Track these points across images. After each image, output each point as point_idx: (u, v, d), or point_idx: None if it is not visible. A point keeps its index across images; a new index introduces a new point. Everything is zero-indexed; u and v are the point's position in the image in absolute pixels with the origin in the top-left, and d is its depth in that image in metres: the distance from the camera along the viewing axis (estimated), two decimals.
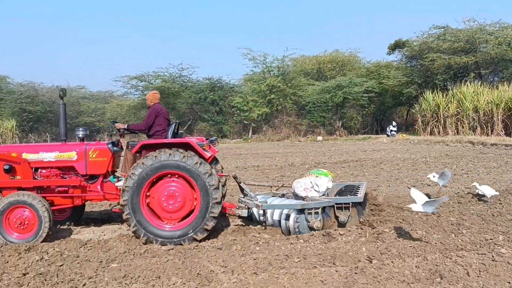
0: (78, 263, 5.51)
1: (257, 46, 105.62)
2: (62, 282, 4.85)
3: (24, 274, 5.12)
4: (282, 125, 35.42)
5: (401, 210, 7.76)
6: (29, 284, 4.81)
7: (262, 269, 5.03)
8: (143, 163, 6.49)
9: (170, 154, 6.47)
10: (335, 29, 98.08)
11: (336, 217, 6.81)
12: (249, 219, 7.59)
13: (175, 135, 7.62)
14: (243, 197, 7.42)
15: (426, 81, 35.32)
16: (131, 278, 4.89)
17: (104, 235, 7.16)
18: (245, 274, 4.91)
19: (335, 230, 6.56)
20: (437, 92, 29.87)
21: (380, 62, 39.99)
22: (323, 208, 6.78)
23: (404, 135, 30.83)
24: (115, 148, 7.21)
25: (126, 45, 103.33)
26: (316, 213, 6.71)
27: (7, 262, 5.64)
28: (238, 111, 35.95)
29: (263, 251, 5.73)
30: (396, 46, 38.74)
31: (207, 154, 6.78)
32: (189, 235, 6.43)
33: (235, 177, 7.57)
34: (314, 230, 6.60)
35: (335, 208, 6.81)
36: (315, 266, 5.04)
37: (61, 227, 7.59)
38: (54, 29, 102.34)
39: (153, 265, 5.29)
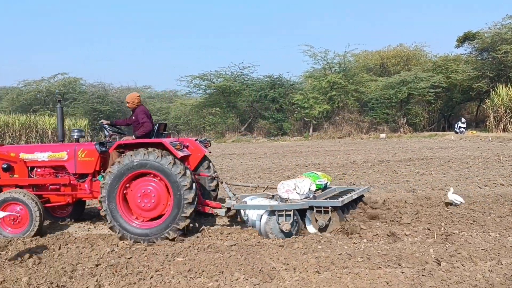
0: (145, 256, 5.74)
1: (318, 43, 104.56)
2: (131, 274, 5.06)
3: (97, 265, 5.41)
4: (343, 122, 34.83)
5: (472, 211, 7.37)
6: (101, 274, 5.07)
7: (325, 268, 4.98)
8: (119, 161, 6.71)
9: (145, 153, 6.63)
10: (400, 23, 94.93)
11: (316, 221, 6.61)
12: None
13: (159, 135, 7.80)
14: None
15: (498, 74, 33.31)
16: (196, 272, 5.01)
17: None
18: (307, 272, 4.88)
19: (401, 230, 6.35)
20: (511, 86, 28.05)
21: (448, 56, 38.23)
22: (302, 211, 6.63)
23: (474, 132, 29.29)
24: (102, 149, 7.41)
25: (189, 44, 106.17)
26: (288, 215, 6.49)
27: (81, 253, 5.99)
28: (298, 108, 35.79)
29: (325, 250, 5.66)
30: (466, 38, 36.82)
31: (180, 154, 6.78)
32: (161, 234, 6.56)
33: (217, 177, 7.72)
34: (286, 233, 6.42)
35: (315, 211, 6.61)
36: (379, 267, 4.91)
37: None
38: (122, 33, 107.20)
39: (216, 260, 5.39)
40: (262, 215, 6.67)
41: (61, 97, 7.17)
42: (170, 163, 6.55)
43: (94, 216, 8.54)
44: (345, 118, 34.92)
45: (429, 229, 6.37)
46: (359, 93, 35.25)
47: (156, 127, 7.81)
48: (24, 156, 7.61)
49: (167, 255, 5.69)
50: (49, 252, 6.13)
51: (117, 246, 6.24)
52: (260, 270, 5.00)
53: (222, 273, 4.95)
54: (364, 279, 4.56)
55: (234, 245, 6.09)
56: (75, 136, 7.94)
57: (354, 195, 7.19)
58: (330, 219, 6.58)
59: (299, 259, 5.33)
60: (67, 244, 6.49)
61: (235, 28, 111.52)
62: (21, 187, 7.51)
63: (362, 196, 7.74)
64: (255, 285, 4.60)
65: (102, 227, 7.72)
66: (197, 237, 6.66)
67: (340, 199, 6.68)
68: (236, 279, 4.72)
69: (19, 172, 7.58)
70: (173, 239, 6.53)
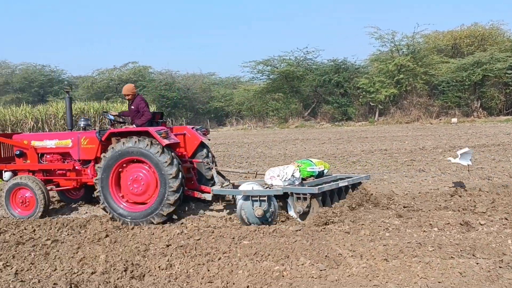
0: (213, 238, 5.90)
1: (384, 24, 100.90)
2: (200, 255, 5.23)
3: (167, 246, 5.65)
4: (411, 106, 33.44)
5: None
6: (172, 254, 5.29)
7: (393, 256, 4.85)
8: (112, 147, 7.12)
9: (136, 141, 6.96)
10: (474, 0, 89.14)
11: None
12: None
13: (154, 123, 7.99)
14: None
15: None
16: (262, 255, 5.08)
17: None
18: (374, 260, 4.79)
19: (476, 220, 6.03)
20: None
21: None
22: (281, 197, 6.64)
23: None
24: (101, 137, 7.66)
25: (252, 30, 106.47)
26: (263, 201, 6.48)
27: (153, 234, 6.27)
28: (363, 93, 34.82)
29: (393, 238, 5.51)
30: None
31: (165, 142, 6.92)
32: (147, 218, 6.90)
33: (207, 163, 7.89)
34: (260, 218, 6.45)
35: (295, 198, 6.58)
36: (452, 257, 4.71)
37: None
38: (186, 23, 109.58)
39: (282, 244, 5.43)
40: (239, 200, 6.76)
41: (69, 88, 7.90)
42: (158, 152, 6.82)
43: None
44: (413, 102, 33.50)
45: (506, 219, 6.01)
46: (429, 76, 33.63)
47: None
48: (35, 143, 8.21)
49: (233, 238, 5.81)
50: (124, 232, 6.48)
51: (186, 228, 6.47)
52: (326, 256, 4.98)
53: (287, 257, 4.98)
54: (436, 269, 4.40)
55: (299, 230, 6.09)
56: (82, 125, 8.33)
57: (342, 184, 7.10)
58: (308, 206, 6.54)
59: (366, 246, 5.24)
60: (138, 225, 6.82)
61: (301, 11, 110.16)
62: (33, 172, 8.10)
63: (359, 183, 7.59)
64: (321, 270, 4.59)
65: None
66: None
67: (318, 187, 6.60)
68: (302, 264, 4.73)
69: (31, 158, 8.19)
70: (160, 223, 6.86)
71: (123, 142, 7.10)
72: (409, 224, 6.14)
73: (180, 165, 7.04)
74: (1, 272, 4.98)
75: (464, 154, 8.28)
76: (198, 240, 5.85)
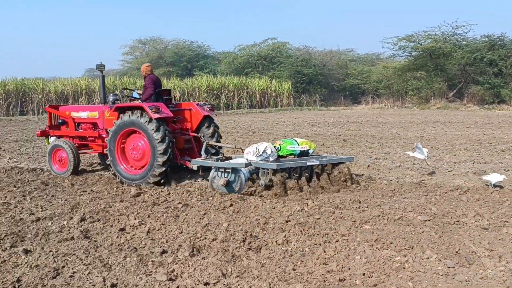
0: (333, 219, 5.73)
1: None
2: (317, 234, 5.12)
3: (287, 221, 5.64)
4: None
5: None
6: (290, 231, 5.26)
7: None
8: (115, 121, 8.38)
9: (129, 115, 8.17)
10: None
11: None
12: None
13: (160, 99, 8.85)
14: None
15: None
16: (383, 243, 4.78)
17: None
18: None
19: None
20: None
21: None
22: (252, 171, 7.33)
23: None
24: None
25: (396, 3, 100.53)
26: (228, 172, 7.35)
27: (274, 208, 6.32)
28: None
29: None
30: None
31: (154, 115, 7.85)
32: (144, 179, 8.06)
33: (201, 137, 8.72)
34: (225, 187, 7.36)
35: (261, 172, 7.22)
36: None
37: None
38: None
39: (407, 233, 5.04)
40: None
41: (103, 67, 8.80)
42: (146, 121, 7.92)
43: None
44: None
45: None
46: None
47: (154, 93, 8.84)
48: (73, 114, 9.72)
49: (354, 221, 5.58)
50: (247, 203, 6.65)
51: (307, 205, 6.39)
52: (456, 252, 4.49)
53: (412, 248, 4.61)
54: None
55: (429, 220, 5.60)
56: (111, 99, 9.42)
57: (310, 162, 7.56)
58: (271, 180, 7.11)
59: (508, 246, 4.60)
60: (260, 198, 6.96)
61: None
62: (73, 137, 9.62)
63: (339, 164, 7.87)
64: (449, 267, 4.14)
65: None
66: (390, 207, 6.34)
67: (277, 163, 7.18)
68: (427, 258, 4.33)
69: (70, 126, 9.76)
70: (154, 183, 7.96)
71: (121, 116, 8.33)
72: None
73: (166, 132, 7.98)
74: (137, 229, 5.48)
75: (419, 148, 8.91)
76: (317, 219, 5.73)
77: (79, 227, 5.48)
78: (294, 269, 4.22)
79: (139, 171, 8.29)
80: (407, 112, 32.04)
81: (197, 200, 6.92)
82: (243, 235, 5.09)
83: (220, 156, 8.54)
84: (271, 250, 4.75)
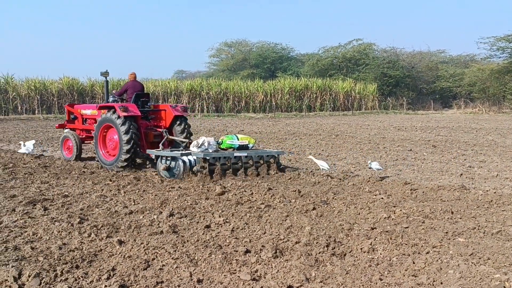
0: (422, 229, 5.43)
1: None
2: (406, 244, 4.88)
3: (372, 228, 5.44)
4: None
5: None
6: (376, 238, 5.06)
7: None
8: (97, 118, 10.72)
9: (104, 113, 10.18)
10: None
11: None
12: None
13: (139, 102, 10.57)
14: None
15: None
16: (479, 258, 4.43)
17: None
18: None
19: None
20: None
21: None
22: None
23: None
24: None
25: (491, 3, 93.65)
26: (168, 160, 8.97)
27: (359, 214, 6.14)
28: None
29: None
30: None
31: (123, 114, 9.59)
32: (115, 164, 9.85)
33: (163, 133, 10.18)
34: (166, 172, 8.95)
35: (197, 160, 8.79)
36: None
37: None
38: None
39: (507, 249, 4.64)
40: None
41: (107, 74, 11.30)
42: (116, 118, 9.71)
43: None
44: None
45: None
46: None
47: (133, 96, 10.56)
48: (82, 111, 11.68)
49: (446, 233, 5.24)
50: (330, 207, 6.53)
51: (394, 213, 6.13)
52: None
53: None
54: None
55: None
56: (110, 100, 10.90)
57: (237, 153, 9.09)
58: (202, 166, 8.66)
59: None
60: (344, 202, 6.78)
61: None
62: (81, 130, 11.65)
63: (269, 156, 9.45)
64: None
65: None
66: (486, 220, 5.87)
67: (204, 152, 8.78)
68: None
69: (79, 121, 11.78)
70: (121, 168, 9.75)
71: (101, 114, 10.36)
72: None
73: (131, 126, 9.60)
74: (221, 227, 5.59)
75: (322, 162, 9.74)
76: (406, 228, 5.47)
77: (167, 222, 5.71)
78: (381, 279, 4.05)
79: (112, 158, 10.12)
80: (504, 118, 29.70)
81: (280, 201, 6.91)
82: (327, 240, 4.99)
83: (181, 148, 9.85)
84: (356, 257, 4.60)
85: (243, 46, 57.93)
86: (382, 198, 7.00)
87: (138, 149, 9.80)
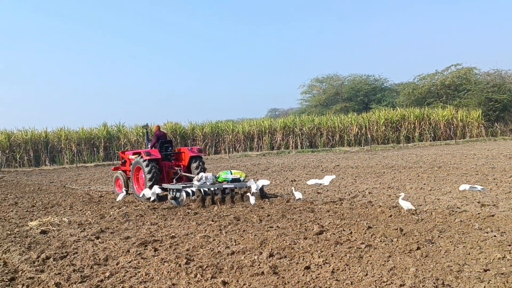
0: None
1: None
2: None
3: (485, 270, 5.06)
4: None
5: None
6: (490, 281, 4.70)
7: None
8: (132, 161, 13.52)
9: (136, 157, 13.13)
10: None
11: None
12: None
13: (163, 147, 13.47)
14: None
15: None
16: None
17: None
18: None
19: None
20: None
21: None
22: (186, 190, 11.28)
23: None
24: None
25: None
26: (174, 191, 11.51)
27: (469, 254, 5.74)
28: None
29: None
30: None
31: (146, 157, 12.34)
32: (142, 196, 11.85)
33: (177, 171, 13.02)
34: (175, 201, 11.25)
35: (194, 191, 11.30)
36: None
37: None
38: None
39: None
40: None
41: (147, 126, 15.14)
42: (142, 161, 12.46)
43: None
44: None
45: None
46: None
47: (158, 144, 13.47)
48: (129, 156, 14.12)
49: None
50: (436, 247, 6.18)
51: (510, 253, 5.63)
52: None
53: None
54: None
55: None
56: (148, 146, 13.72)
57: (225, 185, 11.40)
58: (198, 195, 11.09)
59: None
60: (451, 241, 6.37)
61: None
62: (129, 171, 13.84)
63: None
64: None
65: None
66: None
67: (199, 184, 11.21)
68: None
69: (128, 164, 14.13)
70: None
71: (134, 158, 13.28)
72: None
73: (154, 167, 12.29)
74: (321, 268, 5.56)
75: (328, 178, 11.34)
76: None
77: (268, 262, 5.81)
78: None
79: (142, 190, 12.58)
80: None
81: (381, 241, 6.70)
82: (434, 283, 4.73)
83: (183, 183, 12.35)
84: None
85: (335, 80, 57.92)
86: (494, 236, 6.48)
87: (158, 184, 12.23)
